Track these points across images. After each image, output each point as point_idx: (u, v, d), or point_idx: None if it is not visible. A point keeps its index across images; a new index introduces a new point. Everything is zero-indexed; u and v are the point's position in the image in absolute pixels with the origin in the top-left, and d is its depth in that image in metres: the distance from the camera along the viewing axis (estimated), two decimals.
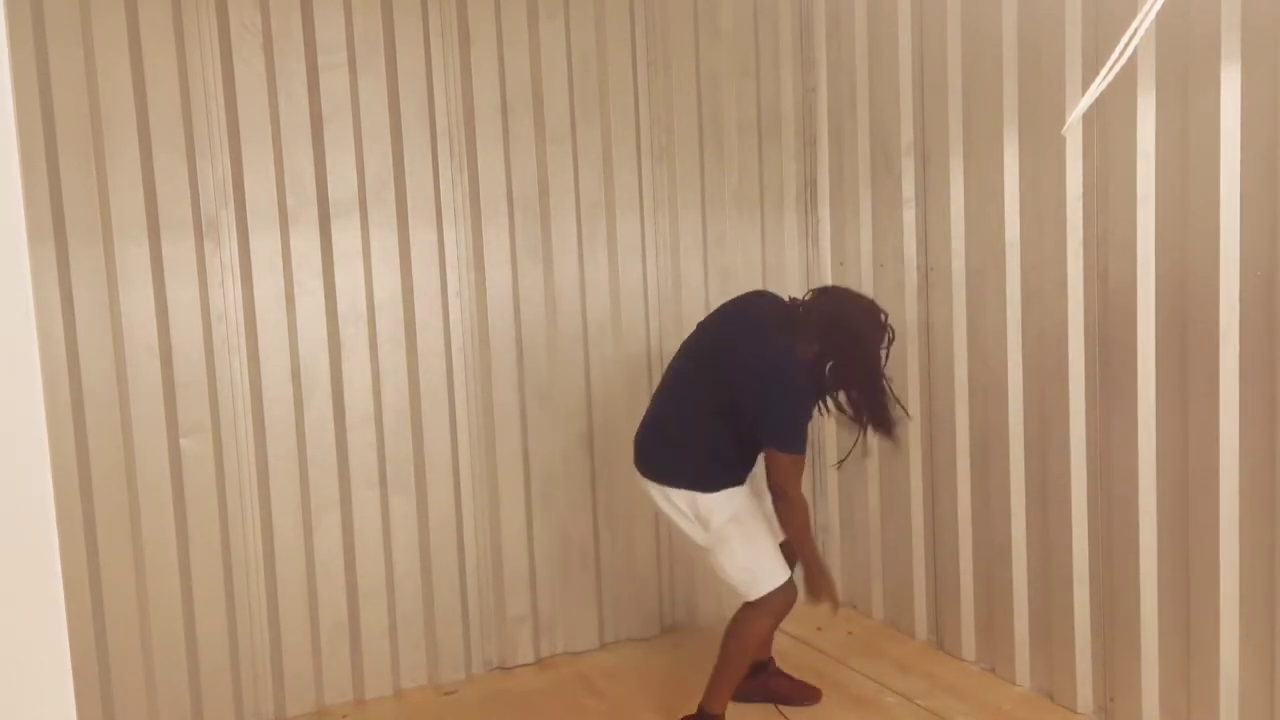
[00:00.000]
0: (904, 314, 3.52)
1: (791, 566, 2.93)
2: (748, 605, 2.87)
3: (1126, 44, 1.89)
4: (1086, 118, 2.77)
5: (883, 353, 2.81)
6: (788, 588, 2.85)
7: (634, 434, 3.05)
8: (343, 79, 3.19)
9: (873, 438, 2.94)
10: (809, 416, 2.83)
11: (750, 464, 2.94)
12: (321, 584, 3.27)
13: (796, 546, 2.93)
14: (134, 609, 3.03)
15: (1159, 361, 2.71)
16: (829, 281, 3.76)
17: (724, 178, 3.81)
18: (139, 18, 2.94)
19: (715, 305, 3.77)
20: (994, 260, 3.15)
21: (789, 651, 3.57)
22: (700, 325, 3.04)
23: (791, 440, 2.77)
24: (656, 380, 3.69)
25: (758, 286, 3.87)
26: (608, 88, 3.58)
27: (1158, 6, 1.88)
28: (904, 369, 3.52)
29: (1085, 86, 2.76)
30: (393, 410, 3.33)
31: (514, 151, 3.43)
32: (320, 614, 3.28)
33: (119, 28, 2.91)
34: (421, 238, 3.33)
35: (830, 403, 2.89)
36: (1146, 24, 1.90)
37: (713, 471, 2.88)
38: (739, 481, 2.91)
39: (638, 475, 2.99)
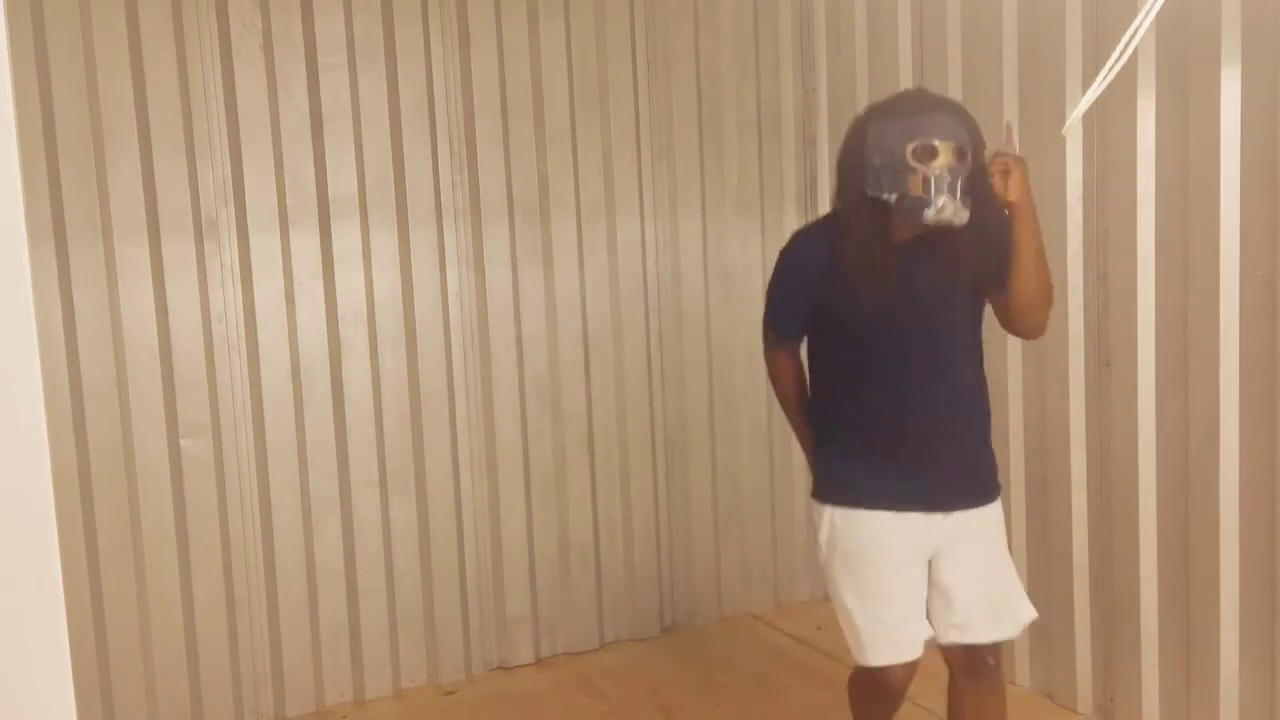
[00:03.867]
0: None
1: None
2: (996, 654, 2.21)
3: (1126, 44, 1.89)
4: (1086, 118, 2.77)
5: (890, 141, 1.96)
6: None
7: (844, 462, 2.16)
8: (343, 79, 3.19)
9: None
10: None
11: None
12: (321, 584, 3.27)
13: None
14: (134, 609, 3.03)
15: (1158, 361, 2.71)
16: None
17: (724, 178, 3.81)
18: (139, 18, 2.94)
19: (715, 305, 3.81)
20: None
21: (789, 651, 3.57)
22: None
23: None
24: (657, 378, 3.71)
25: (758, 286, 3.88)
26: (608, 88, 3.58)
27: (1158, 6, 1.88)
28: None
29: (1085, 86, 2.75)
30: (393, 410, 3.33)
31: (514, 152, 3.43)
32: (320, 614, 3.28)
33: (119, 28, 2.91)
34: (421, 238, 3.33)
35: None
36: (1146, 24, 1.90)
37: None
38: None
39: (901, 523, 2.09)
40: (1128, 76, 2.61)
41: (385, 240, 3.29)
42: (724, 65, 3.79)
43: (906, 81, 3.46)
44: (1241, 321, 2.50)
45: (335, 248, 3.21)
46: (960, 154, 1.95)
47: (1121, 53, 1.91)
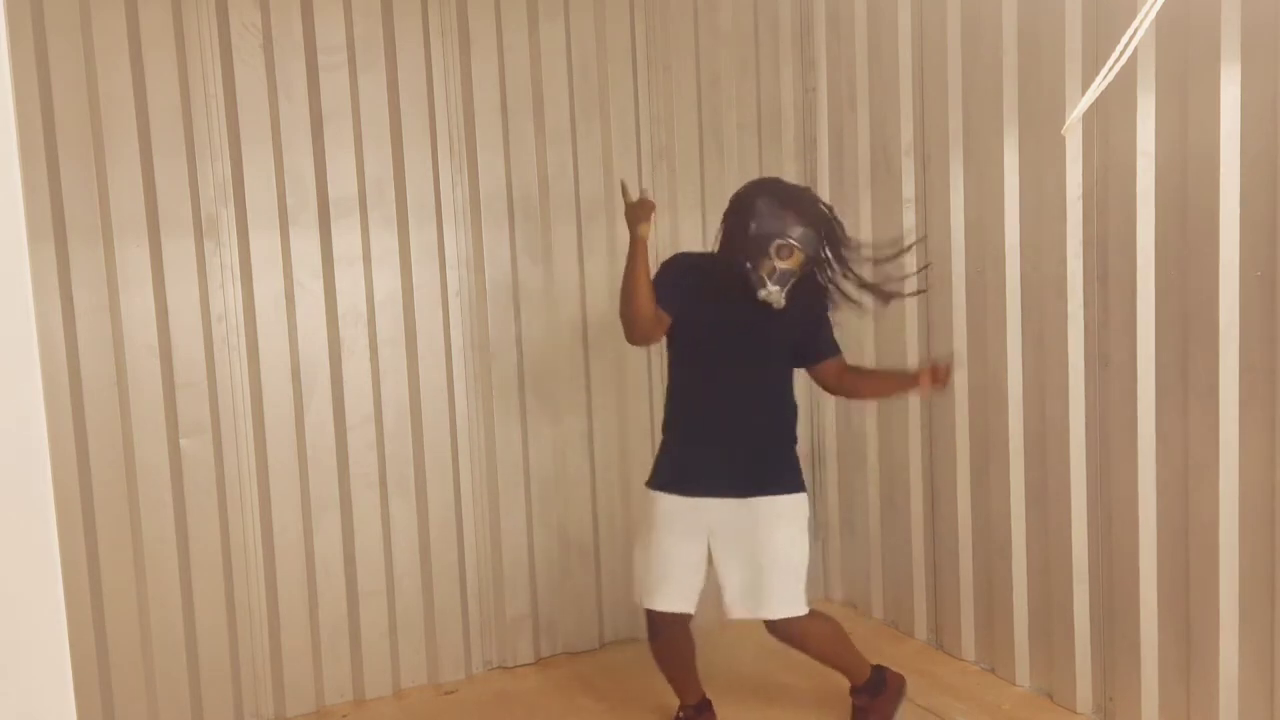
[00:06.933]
0: (905, 314, 3.53)
1: None
2: (804, 619, 2.80)
3: (1126, 44, 1.89)
4: (1086, 118, 2.77)
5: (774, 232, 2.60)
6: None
7: (670, 454, 2.82)
8: (343, 79, 3.19)
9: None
10: None
11: None
12: (321, 584, 3.27)
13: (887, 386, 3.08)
14: (134, 609, 3.02)
15: (1159, 361, 2.71)
16: None
17: (724, 178, 3.81)
18: (139, 18, 2.94)
19: None
20: (994, 260, 3.15)
21: (789, 651, 3.56)
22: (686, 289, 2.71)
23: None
24: (657, 377, 3.71)
25: None
26: (608, 88, 3.58)
27: (1158, 6, 1.88)
28: (904, 368, 3.52)
29: (1085, 86, 2.75)
30: (393, 410, 3.33)
31: (514, 152, 3.43)
32: (320, 614, 3.28)
33: (119, 28, 2.91)
34: (421, 238, 3.33)
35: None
36: (1146, 24, 1.90)
37: (795, 458, 2.84)
38: None
39: (695, 507, 2.72)
40: (1127, 76, 2.61)
41: (385, 240, 3.28)
42: (724, 65, 3.79)
43: (907, 81, 3.46)
44: (1241, 321, 2.50)
45: (335, 248, 3.21)
46: (805, 263, 2.63)
47: (1121, 53, 1.91)
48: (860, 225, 3.74)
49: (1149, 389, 2.74)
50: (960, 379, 3.34)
